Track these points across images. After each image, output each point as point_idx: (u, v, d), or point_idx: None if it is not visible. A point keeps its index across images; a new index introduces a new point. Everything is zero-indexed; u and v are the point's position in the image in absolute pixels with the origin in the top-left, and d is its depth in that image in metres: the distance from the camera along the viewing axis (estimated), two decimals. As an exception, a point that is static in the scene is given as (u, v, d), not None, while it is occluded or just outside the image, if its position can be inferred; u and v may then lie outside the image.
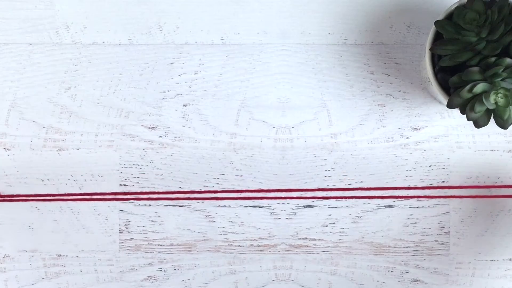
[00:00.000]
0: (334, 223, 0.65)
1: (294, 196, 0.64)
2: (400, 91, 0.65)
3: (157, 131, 0.65)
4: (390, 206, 0.65)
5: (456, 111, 0.64)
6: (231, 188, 0.65)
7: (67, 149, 0.65)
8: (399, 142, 0.65)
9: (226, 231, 0.65)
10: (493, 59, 0.53)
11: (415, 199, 0.65)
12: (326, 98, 0.65)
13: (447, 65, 0.55)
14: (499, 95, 0.52)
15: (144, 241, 0.66)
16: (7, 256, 0.66)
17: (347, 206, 0.65)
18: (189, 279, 0.65)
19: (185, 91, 0.65)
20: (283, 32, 0.65)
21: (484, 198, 0.64)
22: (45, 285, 0.66)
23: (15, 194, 0.65)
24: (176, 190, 0.65)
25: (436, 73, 0.57)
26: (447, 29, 0.55)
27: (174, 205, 0.66)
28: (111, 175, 0.65)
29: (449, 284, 0.65)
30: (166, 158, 0.65)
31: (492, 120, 0.54)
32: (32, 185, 0.66)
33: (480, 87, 0.52)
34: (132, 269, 0.66)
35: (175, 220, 0.65)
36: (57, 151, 0.65)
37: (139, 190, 0.65)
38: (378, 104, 0.65)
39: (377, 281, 0.65)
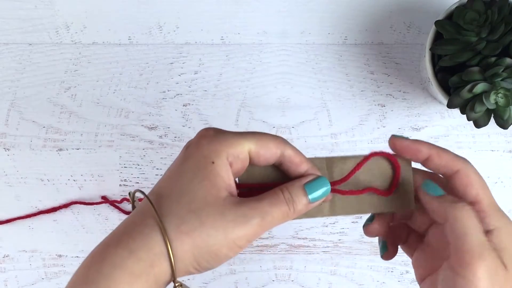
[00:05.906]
0: (334, 223, 0.65)
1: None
2: (400, 91, 0.65)
3: (157, 131, 0.65)
4: (390, 206, 0.65)
5: (456, 111, 0.64)
6: (231, 188, 0.65)
7: (67, 149, 0.65)
8: (399, 142, 0.64)
9: (226, 231, 0.65)
10: (493, 59, 0.53)
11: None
12: (326, 98, 0.65)
13: (447, 65, 0.55)
14: (499, 95, 0.52)
15: (144, 241, 0.65)
16: (7, 256, 0.66)
17: (347, 206, 0.65)
18: (189, 279, 0.65)
19: (185, 91, 0.65)
20: (283, 32, 0.65)
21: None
22: (45, 285, 0.66)
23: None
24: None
25: (436, 73, 0.57)
26: (447, 29, 0.55)
27: (174, 205, 0.65)
28: (111, 175, 0.65)
29: (449, 284, 0.65)
30: (166, 158, 0.65)
31: (492, 120, 0.54)
32: (32, 185, 0.65)
33: (480, 87, 0.52)
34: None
35: (175, 220, 0.65)
36: (57, 151, 0.65)
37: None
38: (378, 104, 0.65)
39: (377, 281, 0.65)
